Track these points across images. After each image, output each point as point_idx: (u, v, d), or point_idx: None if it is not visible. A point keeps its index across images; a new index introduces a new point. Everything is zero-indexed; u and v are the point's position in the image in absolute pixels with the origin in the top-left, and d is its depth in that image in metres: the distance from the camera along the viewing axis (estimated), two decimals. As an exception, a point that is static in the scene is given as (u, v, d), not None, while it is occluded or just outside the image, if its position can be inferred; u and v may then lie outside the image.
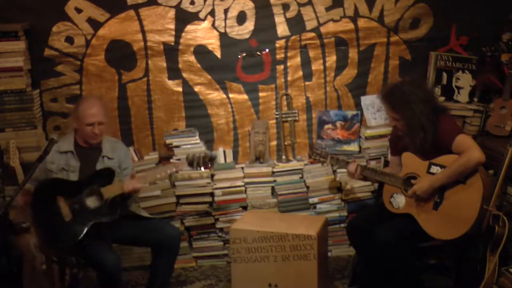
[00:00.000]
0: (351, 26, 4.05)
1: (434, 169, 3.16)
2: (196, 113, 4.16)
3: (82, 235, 3.11)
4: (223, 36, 4.03)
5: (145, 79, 4.09)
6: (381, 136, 4.09)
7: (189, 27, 4.01)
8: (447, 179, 3.10)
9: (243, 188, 4.07)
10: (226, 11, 3.99)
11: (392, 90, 3.26)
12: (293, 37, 4.05)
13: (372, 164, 4.05)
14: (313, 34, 4.06)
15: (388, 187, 3.32)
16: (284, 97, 4.17)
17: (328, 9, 4.02)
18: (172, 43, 4.02)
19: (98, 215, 3.16)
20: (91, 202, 3.18)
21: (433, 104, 3.21)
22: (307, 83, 4.16)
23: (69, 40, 3.96)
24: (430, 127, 3.13)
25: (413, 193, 3.15)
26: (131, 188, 3.19)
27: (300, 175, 4.13)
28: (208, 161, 3.37)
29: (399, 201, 3.27)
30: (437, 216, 3.14)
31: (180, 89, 4.11)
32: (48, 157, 3.18)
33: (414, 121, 3.13)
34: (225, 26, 4.02)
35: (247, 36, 4.04)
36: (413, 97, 3.13)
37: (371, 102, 4.15)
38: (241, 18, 4.01)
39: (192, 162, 3.33)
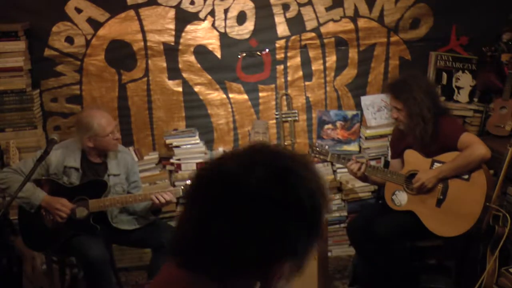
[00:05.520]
0: (351, 26, 4.05)
1: (437, 166, 3.17)
2: (196, 113, 4.16)
3: (55, 246, 3.15)
4: (223, 36, 4.03)
5: (145, 79, 4.09)
6: (381, 136, 4.09)
7: (189, 27, 4.01)
8: (451, 171, 3.12)
9: (243, 188, 4.07)
10: (226, 11, 3.99)
11: (397, 79, 3.40)
12: (293, 37, 4.05)
13: (372, 164, 4.05)
14: (313, 34, 4.06)
15: (390, 185, 3.32)
16: (284, 97, 4.17)
17: (328, 9, 4.02)
18: (172, 43, 4.02)
19: (79, 228, 3.14)
20: (79, 212, 3.16)
21: (435, 100, 3.25)
22: (307, 83, 4.16)
23: (69, 40, 3.96)
24: (430, 118, 3.15)
25: (418, 180, 3.15)
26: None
27: (300, 175, 4.12)
28: None
29: (401, 199, 3.27)
30: (440, 213, 3.14)
31: (180, 89, 4.11)
32: (52, 165, 3.18)
33: (415, 109, 3.16)
34: (225, 26, 4.02)
35: (247, 36, 4.04)
36: (416, 87, 3.19)
37: (371, 102, 4.15)
38: (241, 18, 4.01)
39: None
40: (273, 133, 4.22)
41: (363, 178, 3.45)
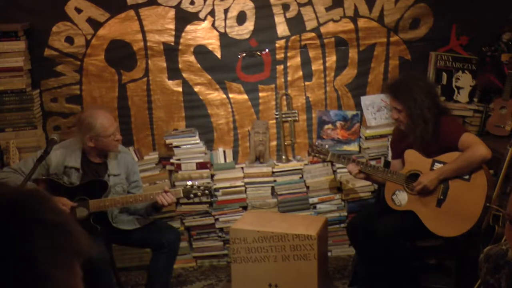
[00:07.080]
0: (351, 26, 4.05)
1: (437, 166, 3.17)
2: (196, 113, 4.16)
3: None
4: (223, 36, 4.03)
5: (145, 79, 4.09)
6: (381, 136, 4.09)
7: (189, 27, 4.01)
8: (452, 172, 3.13)
9: (243, 188, 4.07)
10: (226, 11, 3.99)
11: (396, 80, 3.41)
12: (293, 37, 4.05)
13: (372, 163, 4.05)
14: (313, 34, 4.06)
15: (390, 184, 3.32)
16: (284, 97, 4.17)
17: (328, 9, 4.02)
18: (172, 43, 4.02)
19: None
20: (80, 212, 3.15)
21: (435, 100, 3.26)
22: (307, 83, 4.16)
23: (69, 40, 3.96)
24: (431, 119, 3.15)
25: (420, 183, 3.15)
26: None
27: (300, 175, 4.13)
28: (206, 191, 3.31)
29: (401, 198, 3.27)
30: (440, 213, 3.15)
31: (180, 89, 4.11)
32: (52, 165, 3.17)
33: (416, 110, 3.16)
34: (225, 26, 4.02)
35: (247, 36, 4.04)
36: (416, 88, 3.19)
37: (371, 102, 4.15)
38: (241, 18, 4.01)
39: (189, 195, 3.30)
40: (273, 133, 4.22)
41: (365, 177, 3.45)
